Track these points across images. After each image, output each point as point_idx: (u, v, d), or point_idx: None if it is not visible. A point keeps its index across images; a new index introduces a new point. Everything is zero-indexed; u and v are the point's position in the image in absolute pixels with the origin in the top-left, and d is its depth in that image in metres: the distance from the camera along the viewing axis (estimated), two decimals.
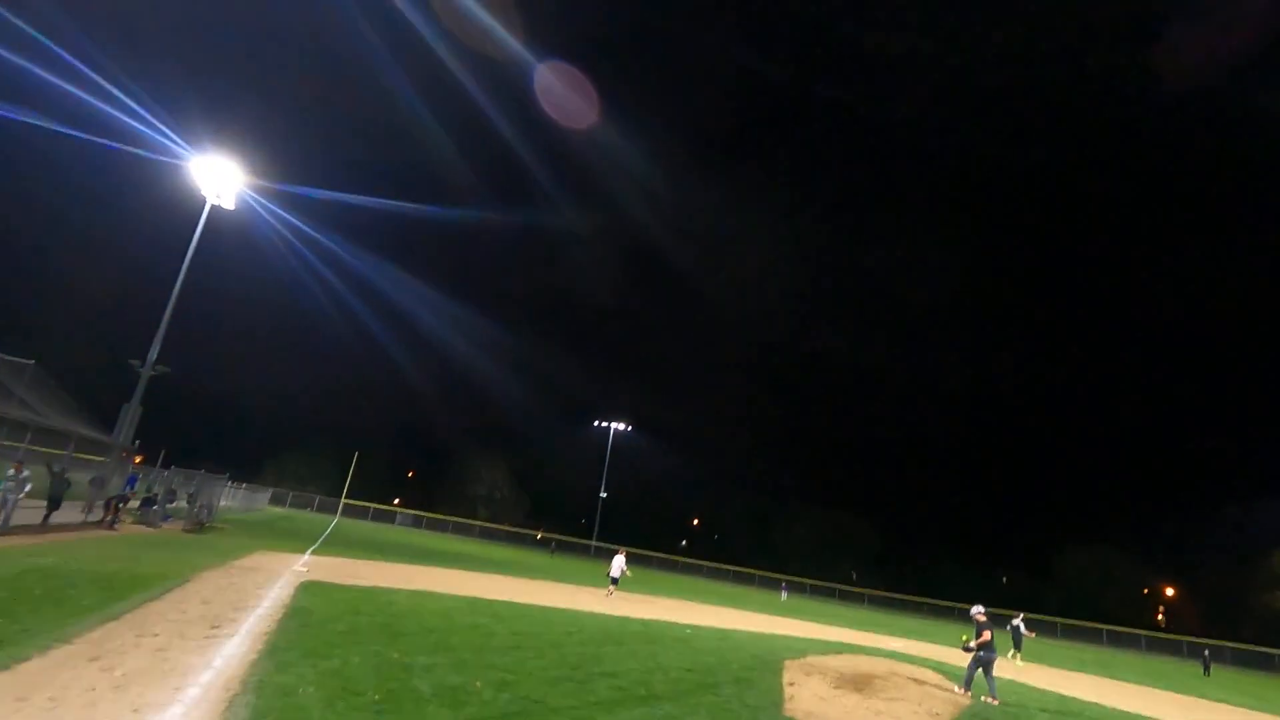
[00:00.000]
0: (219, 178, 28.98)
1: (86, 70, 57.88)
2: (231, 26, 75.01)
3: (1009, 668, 23.04)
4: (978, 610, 14.13)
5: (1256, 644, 54.26)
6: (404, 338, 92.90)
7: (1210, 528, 73.13)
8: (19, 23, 52.98)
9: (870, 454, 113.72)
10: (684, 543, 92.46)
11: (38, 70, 55.06)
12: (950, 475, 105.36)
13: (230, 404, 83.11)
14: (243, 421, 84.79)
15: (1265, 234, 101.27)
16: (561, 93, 79.28)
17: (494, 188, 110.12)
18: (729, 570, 70.32)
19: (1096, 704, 15.88)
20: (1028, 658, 26.33)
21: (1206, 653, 40.83)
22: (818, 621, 31.15)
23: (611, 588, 24.15)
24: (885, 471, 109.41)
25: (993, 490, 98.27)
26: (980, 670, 13.50)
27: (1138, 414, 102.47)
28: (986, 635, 13.53)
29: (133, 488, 24.38)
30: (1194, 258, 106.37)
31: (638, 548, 72.12)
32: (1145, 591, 75.96)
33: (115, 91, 57.49)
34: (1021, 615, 28.02)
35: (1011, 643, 25.99)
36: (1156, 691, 22.66)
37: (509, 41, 70.63)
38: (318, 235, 76.54)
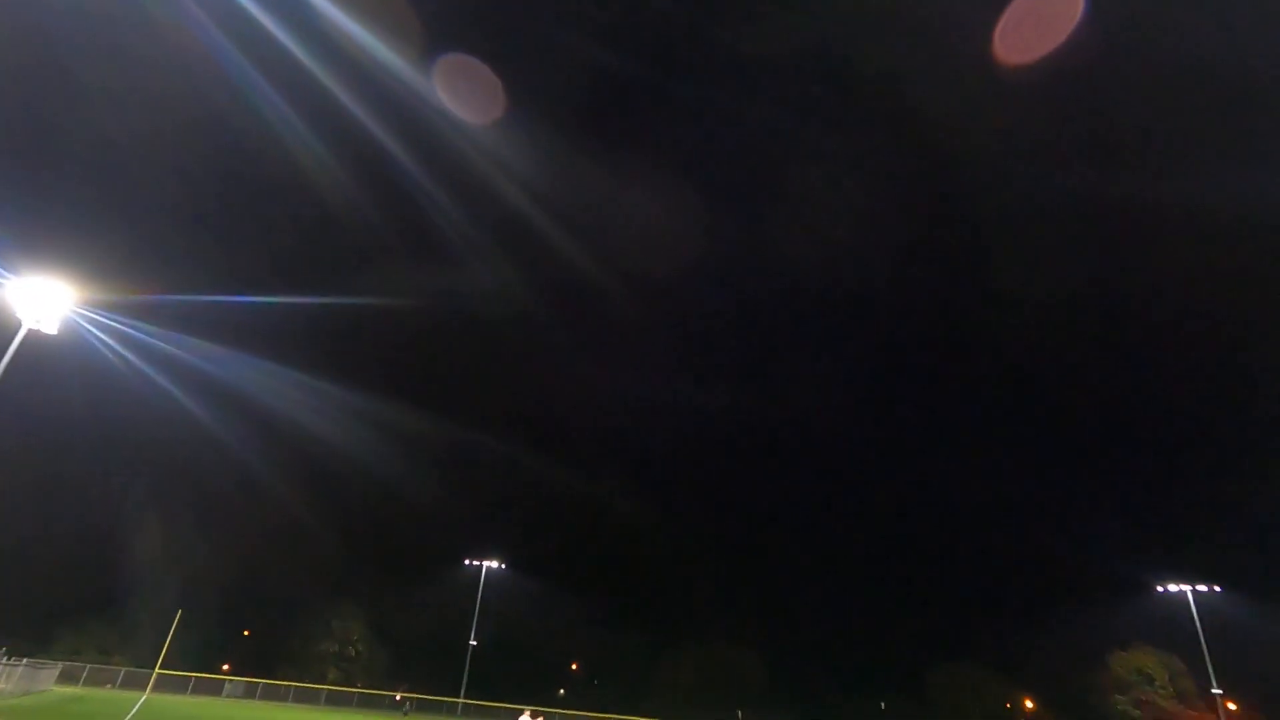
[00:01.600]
0: (40, 300, 26.13)
1: None
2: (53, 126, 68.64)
3: None
4: None
5: None
6: (245, 476, 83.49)
7: (1055, 633, 78.34)
8: None
9: (752, 582, 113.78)
10: (561, 691, 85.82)
11: None
12: (830, 600, 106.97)
13: (14, 560, 69.78)
14: (33, 581, 70.99)
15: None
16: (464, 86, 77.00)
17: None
18: (607, 719, 65.53)
19: None
20: None
21: None
22: None
23: None
24: (769, 600, 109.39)
25: (870, 613, 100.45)
26: None
27: (985, 520, 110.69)
28: None
29: None
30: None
31: (511, 701, 66.07)
32: (1008, 706, 78.98)
33: None
34: None
35: None
36: None
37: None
38: (145, 346, 68.98)
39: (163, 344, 68.63)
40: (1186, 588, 46.64)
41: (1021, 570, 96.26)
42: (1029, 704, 78.68)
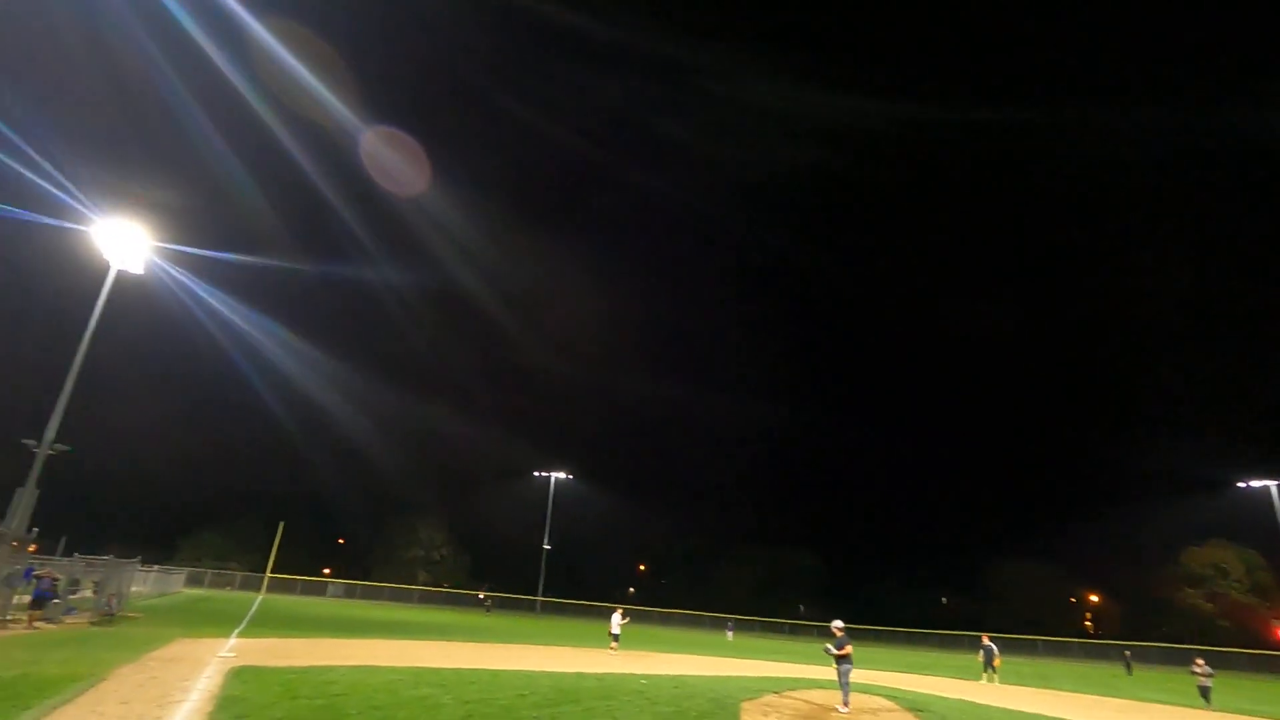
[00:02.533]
0: (124, 240, 27.61)
1: None
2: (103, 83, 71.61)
3: (981, 688, 23.61)
4: (838, 624, 15.28)
5: (1176, 642, 57.38)
6: (329, 402, 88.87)
7: (1125, 532, 77.44)
8: None
9: (810, 485, 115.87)
10: (630, 590, 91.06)
11: None
12: (888, 499, 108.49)
13: (138, 480, 77.09)
14: (153, 498, 78.66)
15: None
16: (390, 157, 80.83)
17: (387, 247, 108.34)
18: (676, 614, 69.54)
19: (1040, 715, 16.45)
20: (966, 675, 27.07)
21: (1128, 654, 43.13)
22: (769, 659, 31.13)
23: (614, 644, 26.55)
24: (827, 502, 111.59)
25: (929, 511, 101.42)
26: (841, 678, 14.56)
27: (1053, 422, 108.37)
28: (849, 648, 14.71)
29: (29, 580, 22.26)
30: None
31: (585, 599, 70.68)
32: (1072, 600, 79.47)
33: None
34: (987, 635, 28.88)
35: (983, 664, 26.82)
36: (1086, 696, 23.65)
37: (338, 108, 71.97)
38: (225, 297, 73.07)
39: (217, 295, 71.88)
40: (1271, 483, 44.70)
41: (1088, 469, 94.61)
42: (1094, 598, 78.98)
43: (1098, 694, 25.14)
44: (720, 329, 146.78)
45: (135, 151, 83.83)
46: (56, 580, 21.93)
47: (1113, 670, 44.40)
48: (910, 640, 66.94)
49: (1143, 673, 44.12)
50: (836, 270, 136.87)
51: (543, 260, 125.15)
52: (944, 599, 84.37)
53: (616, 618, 27.84)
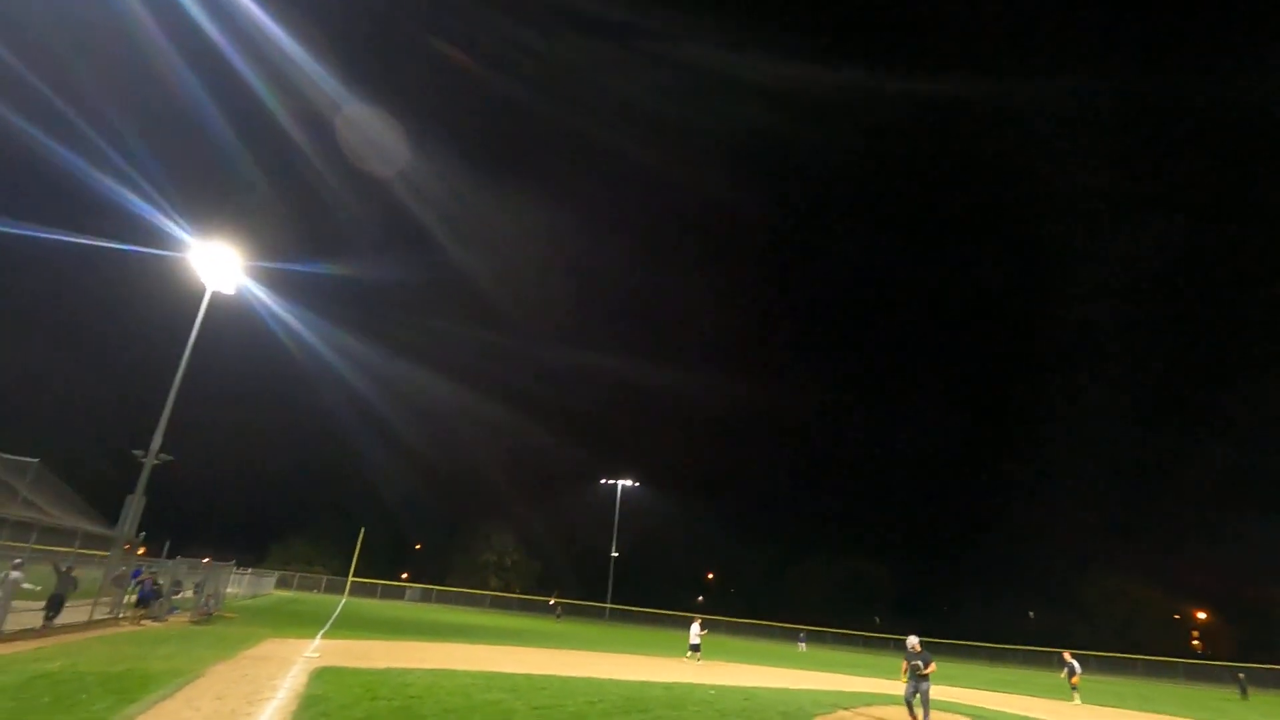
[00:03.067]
0: (218, 264, 29.55)
1: (81, 162, 60.17)
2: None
3: (1067, 709, 22.34)
4: (914, 640, 14.00)
5: None
6: (401, 410, 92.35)
7: (1231, 545, 71.51)
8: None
9: (883, 497, 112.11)
10: (699, 599, 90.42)
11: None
12: (974, 507, 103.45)
13: (233, 488, 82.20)
14: (246, 505, 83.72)
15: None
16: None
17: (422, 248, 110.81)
18: (746, 624, 68.49)
19: None
20: (1053, 694, 25.53)
21: (1242, 676, 39.70)
22: (842, 672, 30.26)
23: (693, 654, 26.58)
24: (906, 510, 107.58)
25: (1018, 519, 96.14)
26: (918, 696, 13.48)
27: (1155, 426, 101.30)
28: (934, 665, 13.66)
29: (137, 581, 24.00)
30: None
31: (653, 607, 70.60)
32: (1176, 617, 73.91)
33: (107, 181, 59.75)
34: (1069, 652, 27.18)
35: (1067, 680, 25.33)
36: None
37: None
38: (302, 310, 76.97)
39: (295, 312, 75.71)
40: None
41: (1192, 478, 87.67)
42: (1201, 616, 73.19)
43: (1206, 718, 23.25)
44: (800, 330, 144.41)
45: (210, 176, 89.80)
46: (159, 583, 23.52)
47: (1225, 694, 40.99)
48: (992, 656, 63.71)
49: (1260, 697, 40.53)
50: (921, 272, 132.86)
51: (611, 266, 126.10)
52: (1031, 613, 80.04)
53: (695, 628, 27.54)
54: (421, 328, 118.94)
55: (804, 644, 55.43)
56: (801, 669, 30.11)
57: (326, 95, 75.29)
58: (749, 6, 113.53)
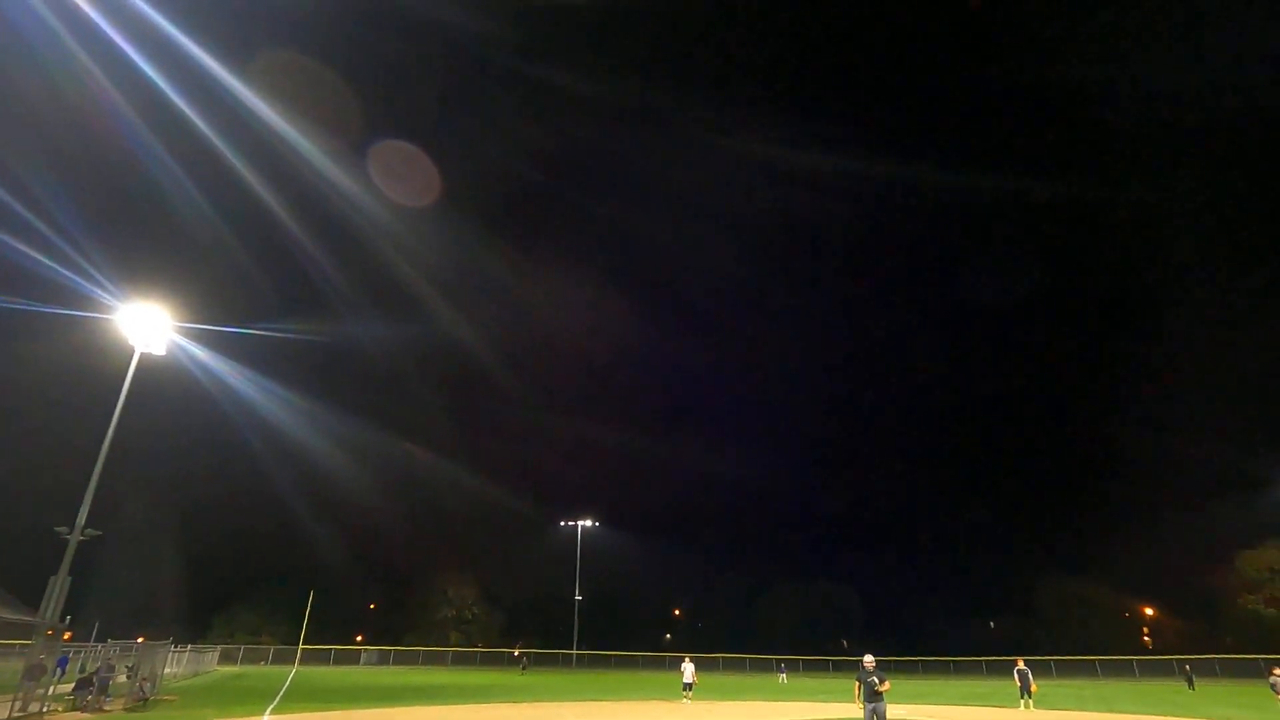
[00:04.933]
0: (147, 324, 28.34)
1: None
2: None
3: (1020, 716, 22.67)
4: (869, 659, 14.36)
5: (1239, 652, 54.80)
6: (350, 468, 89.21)
7: (1173, 538, 74.62)
8: None
9: (844, 518, 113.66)
10: (668, 636, 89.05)
11: None
12: (926, 524, 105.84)
13: (168, 561, 77.38)
14: (184, 578, 78.83)
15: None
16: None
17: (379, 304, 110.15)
18: (718, 659, 67.71)
19: None
20: (1011, 704, 25.94)
21: (1188, 668, 41.33)
22: (823, 699, 30.13)
23: (686, 692, 27.36)
24: (862, 531, 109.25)
25: (970, 533, 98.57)
26: (875, 716, 13.67)
27: (1090, 425, 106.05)
28: (889, 684, 13.95)
29: (64, 670, 22.27)
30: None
31: (621, 649, 69.19)
32: (1127, 615, 76.47)
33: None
34: (1022, 660, 27.69)
35: (1019, 690, 25.68)
36: (1147, 719, 22.50)
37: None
38: (246, 371, 74.31)
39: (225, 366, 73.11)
40: None
41: (1132, 474, 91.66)
42: (1149, 612, 75.92)
43: (1159, 714, 23.95)
44: (739, 363, 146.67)
45: (142, 232, 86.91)
46: (112, 666, 21.83)
47: (1175, 686, 42.42)
48: (959, 670, 64.54)
49: (1206, 687, 42.06)
50: (850, 299, 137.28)
51: (546, 308, 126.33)
52: (991, 623, 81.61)
53: (689, 667, 28.21)
54: (380, 384, 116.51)
55: (784, 675, 55.02)
56: (787, 700, 29.93)
57: (328, 155, 74.45)
58: (774, 95, 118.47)
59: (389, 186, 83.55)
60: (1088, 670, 58.39)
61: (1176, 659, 53.27)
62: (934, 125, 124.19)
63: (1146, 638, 74.86)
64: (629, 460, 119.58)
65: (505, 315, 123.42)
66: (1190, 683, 39.41)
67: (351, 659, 65.16)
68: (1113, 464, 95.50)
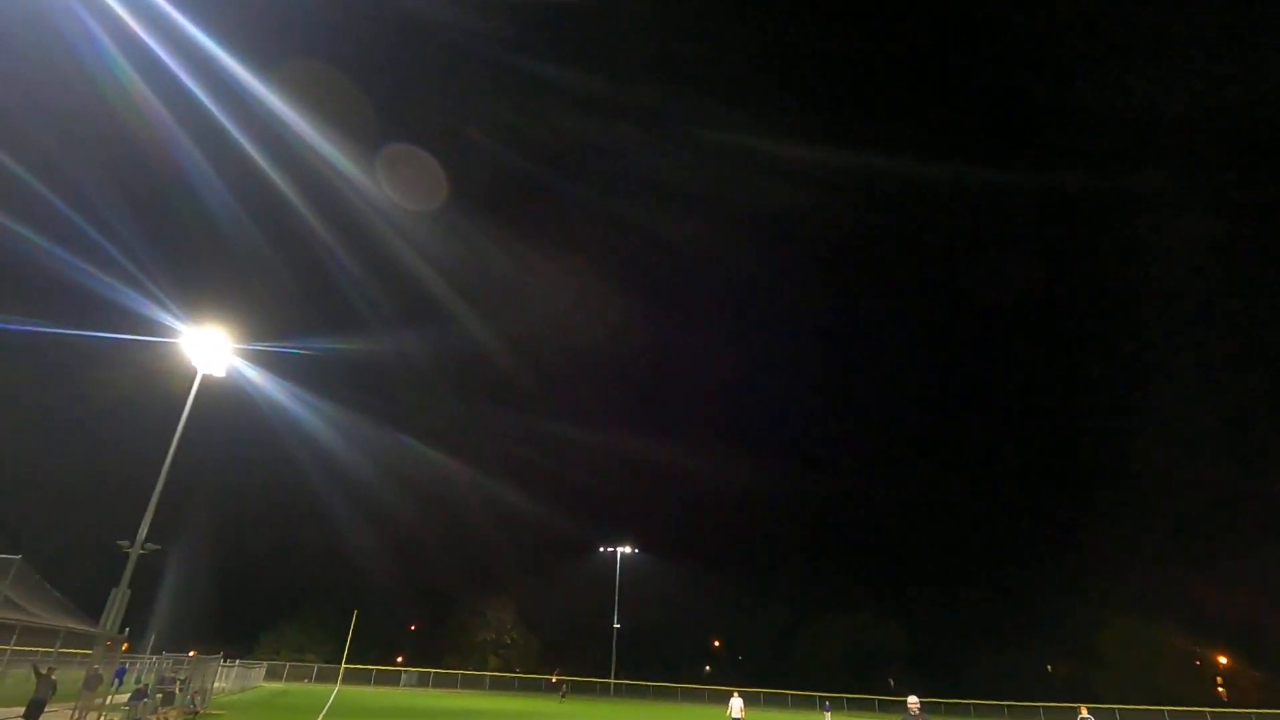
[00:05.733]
0: (209, 347, 29.55)
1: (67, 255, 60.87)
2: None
3: None
4: (913, 700, 13.67)
5: None
6: (394, 487, 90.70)
7: (1249, 581, 69.92)
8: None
9: (893, 546, 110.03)
10: (707, 668, 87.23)
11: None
12: (983, 558, 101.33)
13: (220, 576, 79.65)
14: (234, 593, 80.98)
15: None
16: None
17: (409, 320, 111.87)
18: (759, 693, 65.92)
19: None
20: None
21: None
22: None
23: None
24: (912, 565, 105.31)
25: (1030, 569, 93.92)
26: None
27: (1171, 458, 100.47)
28: None
29: (121, 680, 23.00)
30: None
31: (659, 679, 68.00)
32: (1198, 663, 71.77)
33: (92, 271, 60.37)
34: (1085, 707, 26.17)
35: None
36: None
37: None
38: (293, 388, 76.58)
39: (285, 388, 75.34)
40: None
41: (1209, 511, 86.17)
42: (1223, 660, 71.11)
43: None
44: (784, 390, 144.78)
45: (194, 253, 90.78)
46: (172, 679, 22.43)
47: None
48: (1014, 715, 61.33)
49: None
50: (902, 322, 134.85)
51: (567, 315, 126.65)
52: (1050, 666, 77.60)
53: (737, 702, 28.13)
54: (418, 402, 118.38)
55: (829, 712, 53.18)
56: None
57: (344, 165, 77.11)
58: (776, 88, 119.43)
59: (399, 191, 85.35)
60: None
61: (1256, 712, 49.74)
62: (928, 120, 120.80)
63: (1220, 688, 70.02)
64: (666, 481, 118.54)
65: (526, 325, 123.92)
66: None
67: (392, 680, 65.58)
68: (1187, 500, 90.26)
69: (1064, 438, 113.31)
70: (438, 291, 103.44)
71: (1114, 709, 55.39)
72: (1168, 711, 55.44)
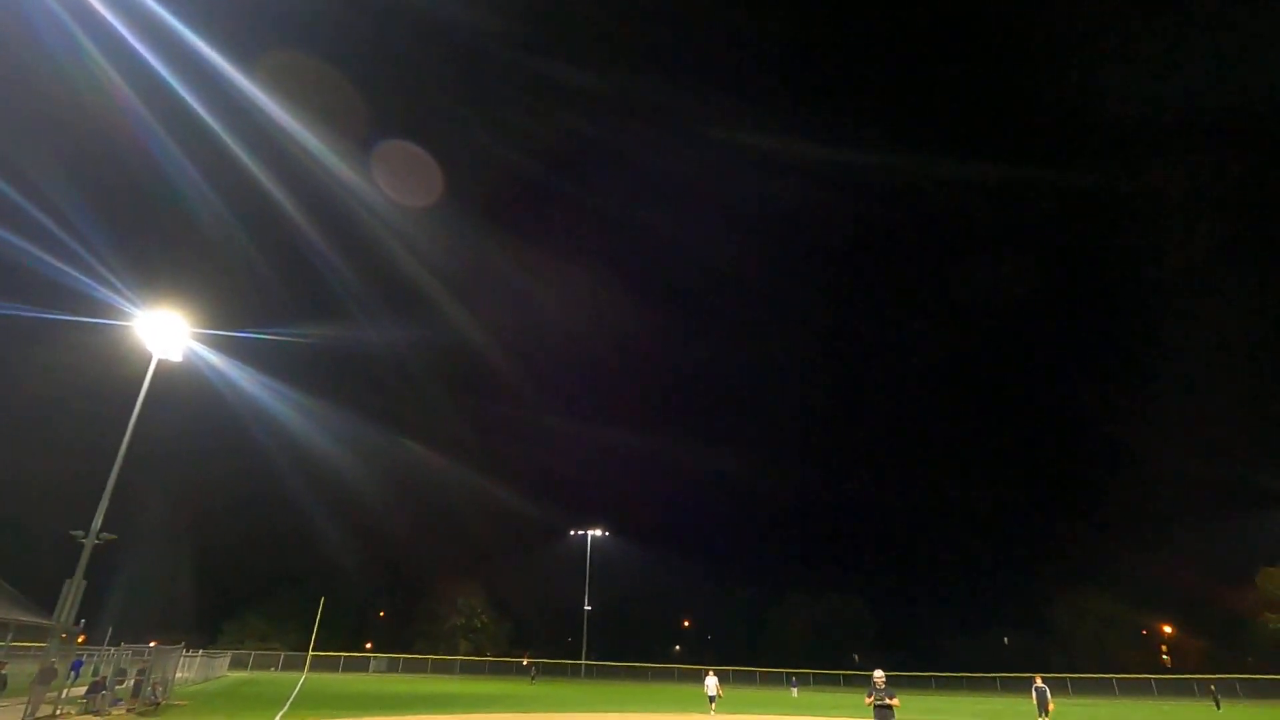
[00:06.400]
0: (164, 331, 28.62)
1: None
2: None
3: None
4: (880, 674, 14.33)
5: (1262, 672, 53.67)
6: (360, 473, 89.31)
7: (1192, 555, 73.26)
8: None
9: (855, 527, 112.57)
10: (676, 648, 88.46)
11: None
12: (939, 537, 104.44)
13: (181, 566, 77.80)
14: (196, 583, 79.21)
15: None
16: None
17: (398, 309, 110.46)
18: (728, 671, 67.12)
19: None
20: None
21: (1214, 688, 40.44)
22: (837, 715, 29.76)
23: (711, 707, 28.29)
24: (874, 544, 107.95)
25: (984, 545, 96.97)
26: None
27: (1108, 437, 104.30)
28: (897, 700, 14.09)
29: (78, 673, 22.40)
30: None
31: (630, 660, 68.72)
32: (1144, 632, 75.11)
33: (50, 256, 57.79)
34: (1039, 677, 27.06)
35: (1037, 708, 25.14)
36: None
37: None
38: (259, 376, 74.83)
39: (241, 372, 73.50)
40: None
41: (1149, 486, 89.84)
42: (1168, 630, 74.54)
43: None
44: (748, 373, 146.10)
45: (157, 237, 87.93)
46: (124, 670, 21.89)
47: (1200, 707, 41.57)
48: (973, 686, 63.54)
49: (1230, 708, 41.14)
50: (864, 310, 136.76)
51: (551, 307, 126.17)
52: (1005, 639, 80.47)
53: (712, 680, 29.35)
54: (390, 390, 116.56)
55: (796, 689, 54.48)
56: (802, 714, 29.65)
57: (329, 151, 75.17)
58: (775, 87, 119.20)
59: (393, 186, 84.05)
60: (1105, 689, 57.37)
61: (1198, 678, 52.35)
62: (935, 120, 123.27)
63: (1166, 656, 73.46)
64: (637, 465, 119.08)
65: (511, 315, 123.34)
66: (1217, 703, 38.58)
67: (361, 666, 65.11)
68: (1130, 475, 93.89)
69: (1024, 429, 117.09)
70: (416, 284, 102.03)
71: (1066, 677, 57.76)
72: (1116, 680, 57.93)
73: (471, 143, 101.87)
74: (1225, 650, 64.34)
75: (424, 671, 64.73)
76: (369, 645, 74.23)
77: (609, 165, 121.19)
